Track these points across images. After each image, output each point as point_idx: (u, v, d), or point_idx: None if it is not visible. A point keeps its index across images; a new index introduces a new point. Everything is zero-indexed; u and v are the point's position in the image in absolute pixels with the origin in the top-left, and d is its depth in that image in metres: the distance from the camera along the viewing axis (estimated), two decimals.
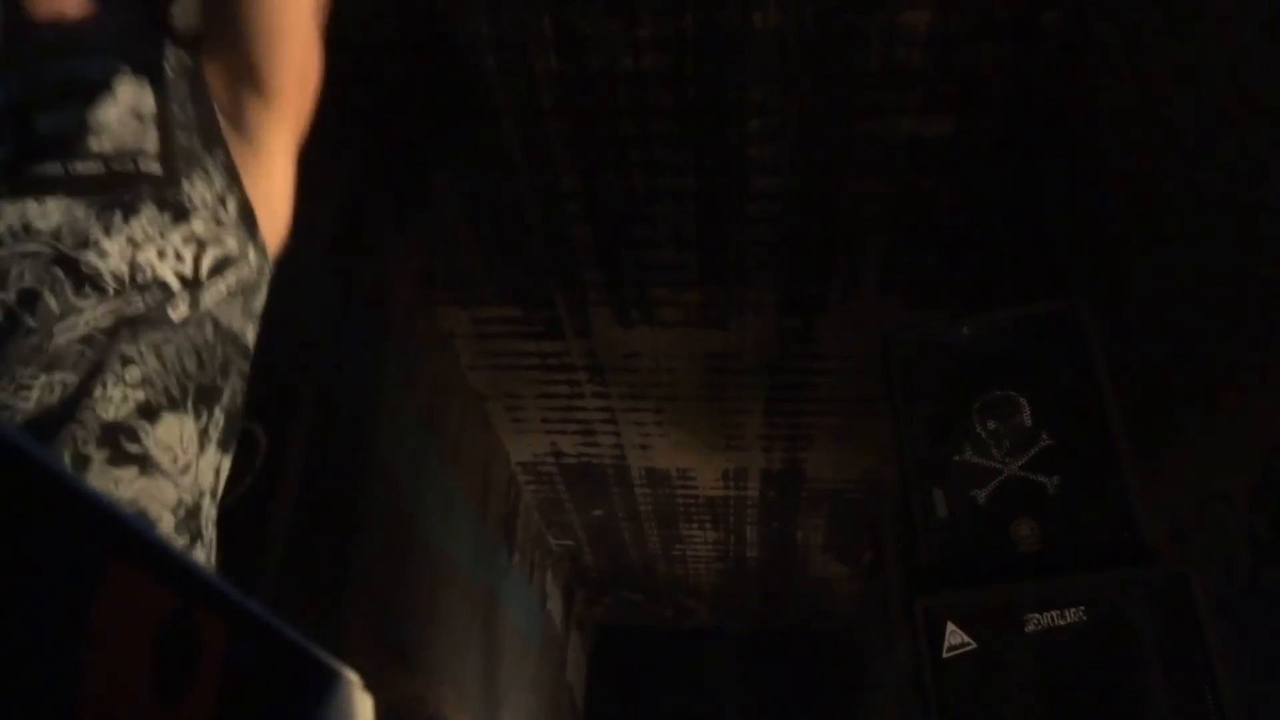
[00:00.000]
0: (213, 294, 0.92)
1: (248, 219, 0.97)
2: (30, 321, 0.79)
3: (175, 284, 0.88)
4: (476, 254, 3.79)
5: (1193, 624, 1.50)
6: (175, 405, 0.86)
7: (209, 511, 0.90)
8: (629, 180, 3.35)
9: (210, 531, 0.91)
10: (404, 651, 3.86)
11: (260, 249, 0.99)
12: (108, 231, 0.84)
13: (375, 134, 3.25)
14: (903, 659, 5.29)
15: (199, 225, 0.91)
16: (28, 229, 0.82)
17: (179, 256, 0.89)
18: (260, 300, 1.01)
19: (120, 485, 0.79)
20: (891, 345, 1.98)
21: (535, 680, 6.40)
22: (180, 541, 0.84)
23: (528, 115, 3.10)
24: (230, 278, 0.94)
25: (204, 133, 0.95)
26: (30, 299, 0.80)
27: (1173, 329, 2.13)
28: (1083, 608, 1.58)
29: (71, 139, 0.87)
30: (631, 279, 3.88)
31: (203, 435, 0.89)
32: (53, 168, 0.85)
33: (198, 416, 0.89)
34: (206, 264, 0.91)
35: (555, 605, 7.09)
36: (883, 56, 2.80)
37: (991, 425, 1.82)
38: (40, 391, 0.77)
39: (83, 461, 0.77)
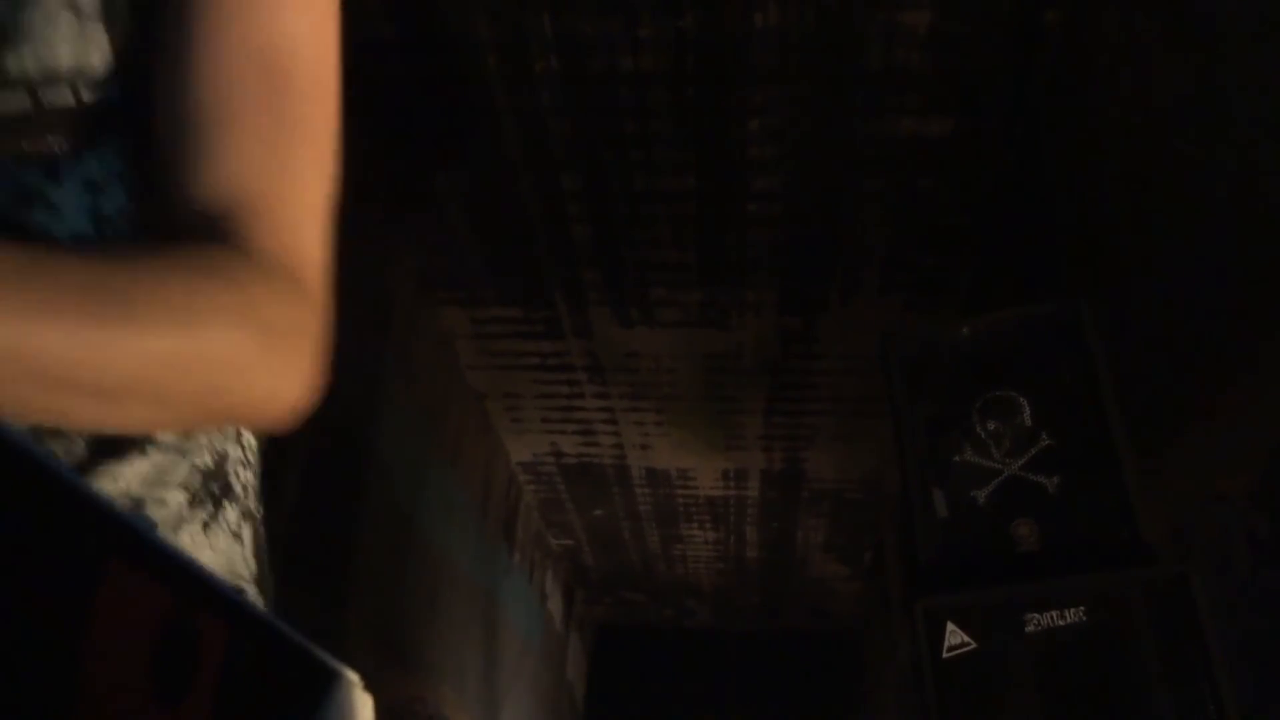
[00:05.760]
0: None
1: None
2: None
3: None
4: (476, 254, 3.79)
5: (1193, 624, 1.50)
6: None
7: (237, 454, 0.72)
8: (629, 180, 3.35)
9: (244, 473, 0.73)
10: (404, 651, 3.86)
11: None
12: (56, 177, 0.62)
13: (375, 134, 3.24)
14: (903, 659, 5.29)
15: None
16: None
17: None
18: None
19: (118, 481, 0.62)
20: (891, 345, 1.98)
21: (535, 680, 6.40)
22: (201, 515, 0.67)
23: (528, 115, 3.09)
24: None
25: None
26: None
27: (1173, 329, 2.13)
28: (1083, 608, 1.58)
29: None
30: (631, 279, 3.88)
31: None
32: None
33: None
34: None
35: (555, 605, 7.09)
36: (883, 56, 2.80)
37: (991, 425, 1.82)
38: None
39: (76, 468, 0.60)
